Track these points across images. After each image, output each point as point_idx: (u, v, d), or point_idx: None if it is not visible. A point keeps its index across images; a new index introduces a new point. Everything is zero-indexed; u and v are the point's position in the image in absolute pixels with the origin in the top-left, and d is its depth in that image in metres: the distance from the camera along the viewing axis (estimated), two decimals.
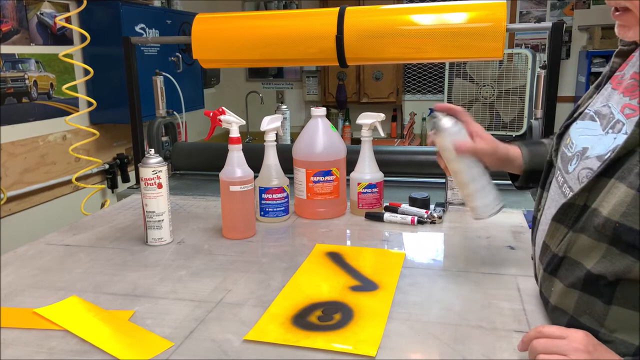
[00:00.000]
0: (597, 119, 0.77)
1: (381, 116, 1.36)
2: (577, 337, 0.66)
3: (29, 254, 1.16)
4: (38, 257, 1.15)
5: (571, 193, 0.74)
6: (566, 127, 0.84)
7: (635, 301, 0.66)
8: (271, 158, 1.34)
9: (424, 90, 4.45)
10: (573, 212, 0.72)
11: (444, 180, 1.48)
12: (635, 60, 0.78)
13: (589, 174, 0.71)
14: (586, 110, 0.82)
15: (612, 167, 0.67)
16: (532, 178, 0.99)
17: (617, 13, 0.72)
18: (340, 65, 1.51)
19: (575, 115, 0.84)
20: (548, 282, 0.77)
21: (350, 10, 1.48)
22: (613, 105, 0.75)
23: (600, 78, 0.84)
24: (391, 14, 1.49)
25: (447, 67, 3.97)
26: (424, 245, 1.20)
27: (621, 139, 0.68)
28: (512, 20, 4.10)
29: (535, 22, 4.02)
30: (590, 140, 0.75)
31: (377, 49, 1.47)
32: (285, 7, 4.48)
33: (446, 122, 0.96)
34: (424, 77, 4.43)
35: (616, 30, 0.75)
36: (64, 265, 1.10)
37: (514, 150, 1.00)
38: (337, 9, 1.48)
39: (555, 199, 0.80)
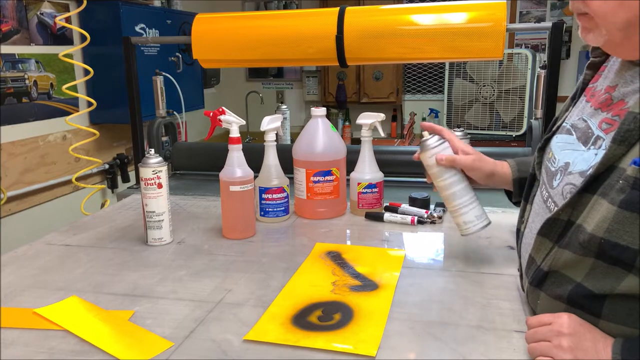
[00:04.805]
0: (574, 132, 0.78)
1: (381, 116, 1.36)
2: (560, 321, 0.69)
3: (29, 254, 1.16)
4: (38, 257, 1.15)
5: (555, 208, 0.75)
6: (547, 141, 0.85)
7: (624, 316, 0.67)
8: (271, 158, 1.34)
9: (424, 90, 4.45)
10: (558, 227, 0.73)
11: None
12: (607, 72, 0.79)
13: (572, 189, 0.72)
14: (563, 124, 0.83)
15: (594, 183, 0.68)
16: (524, 186, 1.00)
17: (580, 15, 0.73)
18: (340, 65, 1.51)
19: (554, 128, 0.85)
20: (534, 294, 0.78)
21: (350, 10, 1.48)
22: (589, 119, 0.76)
23: (574, 90, 0.85)
24: (391, 14, 1.49)
25: (447, 67, 3.97)
26: (424, 245, 1.20)
27: (602, 154, 0.69)
28: (512, 20, 4.10)
29: (535, 22, 4.02)
30: (571, 155, 0.76)
31: (377, 49, 1.47)
32: (285, 7, 4.47)
33: (431, 140, 1.00)
34: (424, 77, 4.43)
35: (579, 32, 0.75)
36: (64, 265, 1.10)
37: (502, 164, 1.01)
38: (337, 9, 1.48)
39: (539, 212, 0.81)
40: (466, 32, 1.39)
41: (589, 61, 0.82)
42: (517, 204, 1.02)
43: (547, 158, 0.83)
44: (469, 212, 0.99)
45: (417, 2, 4.07)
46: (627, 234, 0.63)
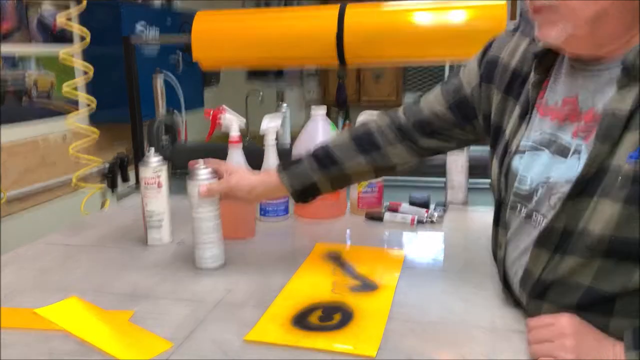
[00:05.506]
0: (544, 148, 0.78)
1: None
2: (562, 322, 0.69)
3: (29, 254, 1.16)
4: (38, 257, 1.15)
5: (545, 220, 0.75)
6: (508, 165, 0.83)
7: (638, 309, 0.67)
8: (271, 158, 1.33)
9: (424, 90, 4.44)
10: (554, 236, 0.73)
11: (444, 180, 1.48)
12: (552, 85, 0.79)
13: (561, 197, 0.72)
14: (522, 143, 0.81)
15: (589, 187, 0.69)
16: (306, 194, 1.03)
17: (539, 13, 0.72)
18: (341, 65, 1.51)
19: (510, 150, 0.84)
20: (535, 305, 0.78)
21: (350, 9, 1.48)
22: (556, 132, 0.76)
23: (521, 109, 0.84)
24: (391, 14, 1.49)
25: (447, 67, 3.96)
26: (424, 246, 1.19)
27: (585, 159, 0.70)
28: (512, 20, 4.10)
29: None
30: (550, 170, 0.76)
31: (377, 49, 1.47)
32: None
33: (203, 171, 1.03)
34: (424, 77, 4.43)
35: (538, 33, 0.74)
36: (64, 265, 1.10)
37: (269, 177, 1.03)
38: (337, 7, 1.48)
39: (523, 230, 0.80)
40: (466, 32, 1.39)
41: (533, 80, 0.82)
42: (299, 202, 1.04)
43: (514, 181, 0.82)
44: (207, 249, 1.05)
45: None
46: (637, 227, 0.64)
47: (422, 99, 1.00)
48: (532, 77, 0.82)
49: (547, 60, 0.80)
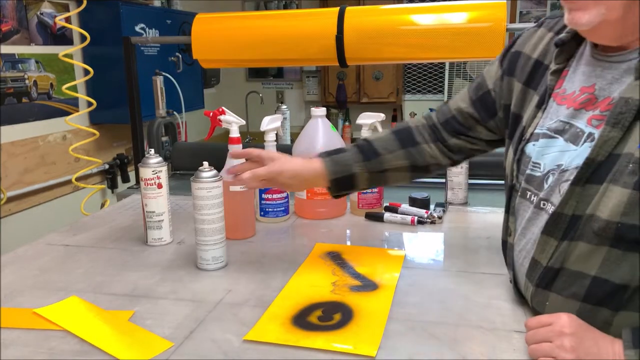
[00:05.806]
0: (558, 135, 0.78)
1: (381, 116, 1.36)
2: (561, 321, 0.69)
3: (29, 254, 1.16)
4: (38, 257, 1.15)
5: (552, 207, 0.75)
6: (522, 151, 0.84)
7: None
8: None
9: (424, 90, 4.45)
10: (562, 223, 0.73)
11: (444, 180, 1.48)
12: (571, 75, 0.80)
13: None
14: (537, 131, 0.82)
15: (599, 173, 0.69)
16: (342, 186, 1.02)
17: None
18: (340, 65, 1.51)
19: (525, 136, 0.84)
20: (541, 296, 0.78)
21: (350, 10, 1.48)
22: (570, 120, 0.77)
23: (539, 97, 0.84)
24: (391, 14, 1.49)
25: (447, 67, 3.97)
26: (424, 245, 1.20)
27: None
28: (512, 20, 4.10)
29: (535, 22, 4.02)
30: (562, 157, 0.76)
31: (377, 49, 1.47)
32: (285, 7, 4.47)
33: (206, 173, 1.04)
34: (424, 77, 4.43)
35: (568, 18, 0.74)
36: (64, 265, 1.10)
37: (312, 163, 1.02)
38: (337, 9, 1.48)
39: (532, 218, 0.80)
40: (466, 32, 1.39)
41: (553, 68, 0.83)
42: (336, 197, 1.04)
43: (527, 167, 0.82)
44: (209, 251, 1.05)
45: (417, 2, 4.07)
46: None
47: (450, 100, 1.03)
48: (552, 66, 0.82)
49: (568, 50, 0.81)
